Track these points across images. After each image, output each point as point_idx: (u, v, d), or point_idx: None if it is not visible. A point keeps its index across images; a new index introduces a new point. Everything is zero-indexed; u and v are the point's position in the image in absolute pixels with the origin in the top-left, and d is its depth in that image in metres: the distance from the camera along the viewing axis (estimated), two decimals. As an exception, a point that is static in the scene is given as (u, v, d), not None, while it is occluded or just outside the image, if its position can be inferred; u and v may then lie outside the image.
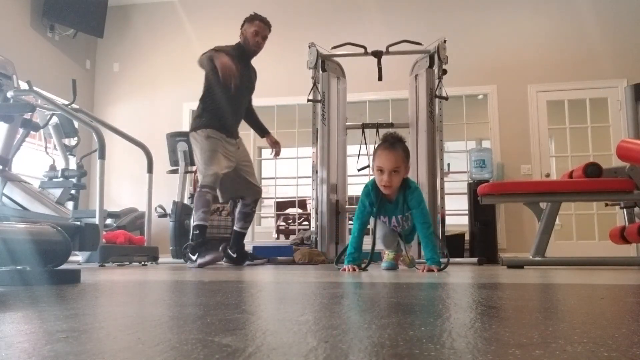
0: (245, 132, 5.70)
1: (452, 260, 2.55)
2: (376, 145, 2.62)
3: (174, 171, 5.26)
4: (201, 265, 3.35)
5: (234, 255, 3.83)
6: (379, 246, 2.75)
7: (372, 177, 2.64)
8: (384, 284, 1.59)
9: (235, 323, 0.67)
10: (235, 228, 3.88)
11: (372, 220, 2.73)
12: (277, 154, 4.03)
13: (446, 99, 4.49)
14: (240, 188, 3.78)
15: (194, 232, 3.53)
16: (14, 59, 4.16)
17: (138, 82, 6.89)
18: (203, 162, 3.53)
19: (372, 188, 2.56)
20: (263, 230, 7.72)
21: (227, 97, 3.58)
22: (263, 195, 7.74)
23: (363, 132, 4.97)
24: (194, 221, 3.57)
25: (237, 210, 3.88)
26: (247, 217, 3.86)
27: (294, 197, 6.86)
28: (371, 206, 2.57)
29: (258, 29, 3.70)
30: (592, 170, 3.30)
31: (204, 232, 3.52)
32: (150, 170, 4.61)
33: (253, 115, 4.01)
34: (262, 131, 4.04)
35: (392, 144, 2.47)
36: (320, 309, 0.88)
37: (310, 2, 6.57)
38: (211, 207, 3.74)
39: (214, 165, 3.48)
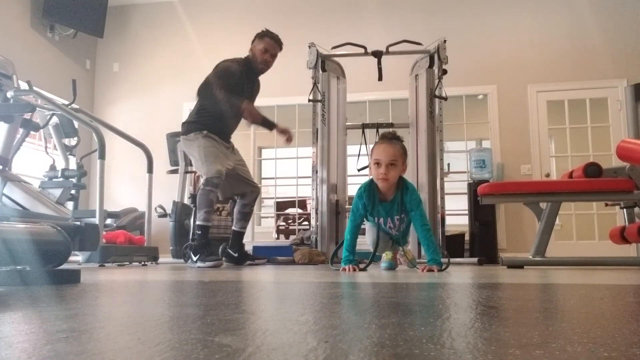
0: (245, 132, 5.70)
1: (452, 260, 2.54)
2: (375, 143, 2.62)
3: (174, 171, 5.26)
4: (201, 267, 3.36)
5: (235, 255, 3.84)
6: (371, 249, 2.73)
7: (361, 184, 2.62)
8: (384, 284, 1.59)
9: (235, 323, 0.67)
10: (234, 228, 3.89)
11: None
12: (289, 139, 3.72)
13: (445, 99, 4.49)
14: (239, 186, 3.78)
15: (197, 232, 3.53)
16: (14, 59, 4.16)
17: (138, 82, 6.89)
18: (203, 159, 3.50)
19: (364, 190, 2.55)
20: (263, 230, 7.71)
21: (229, 111, 3.57)
22: (263, 195, 7.78)
23: (363, 132, 4.97)
24: (196, 221, 3.57)
25: (236, 210, 3.88)
26: (247, 217, 3.87)
27: (294, 197, 6.86)
28: (364, 208, 2.57)
29: (267, 46, 3.64)
30: (592, 170, 3.30)
31: (207, 233, 3.52)
32: (150, 170, 4.61)
33: None
34: (269, 125, 3.76)
35: (390, 139, 2.50)
36: (320, 309, 0.88)
37: (310, 2, 6.57)
38: (214, 208, 3.74)
39: (216, 162, 3.48)
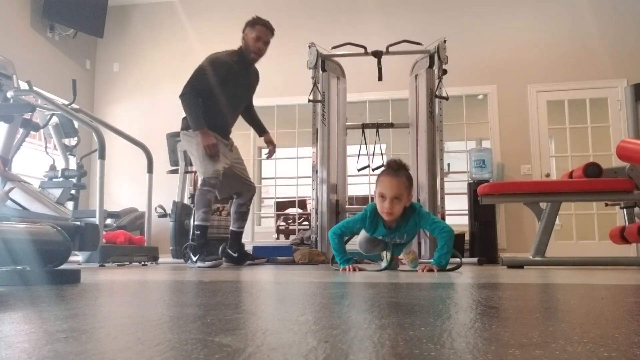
0: (246, 132, 5.69)
1: (452, 260, 2.53)
2: (380, 171, 2.56)
3: (174, 171, 5.26)
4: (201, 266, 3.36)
5: (235, 255, 3.83)
6: (360, 250, 2.71)
7: (366, 206, 2.58)
8: (384, 284, 1.59)
9: (235, 323, 0.67)
10: (232, 228, 3.88)
11: None
12: (270, 153, 4.00)
13: (446, 98, 4.49)
14: (236, 185, 3.78)
15: (195, 232, 3.53)
16: (14, 59, 4.16)
17: (138, 82, 6.89)
18: (202, 158, 3.50)
19: (369, 215, 2.48)
20: (263, 230, 7.71)
21: (223, 102, 3.57)
22: (263, 195, 7.79)
23: (363, 132, 4.97)
24: (194, 221, 3.57)
25: (233, 210, 3.88)
26: (244, 216, 3.87)
27: (294, 197, 6.86)
28: (360, 230, 2.57)
29: (259, 34, 3.61)
30: (592, 170, 3.30)
31: (205, 233, 3.52)
32: (150, 170, 4.61)
33: (253, 114, 4.00)
34: (260, 129, 4.02)
35: (396, 170, 2.42)
36: (320, 309, 0.88)
37: (310, 2, 6.57)
38: (212, 207, 3.74)
39: (214, 162, 3.48)
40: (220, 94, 3.53)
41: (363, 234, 2.64)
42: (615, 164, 3.94)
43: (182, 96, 3.51)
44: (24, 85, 4.07)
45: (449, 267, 2.47)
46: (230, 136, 3.81)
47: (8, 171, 4.04)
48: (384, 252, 2.78)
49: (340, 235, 2.57)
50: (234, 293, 1.23)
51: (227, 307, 0.88)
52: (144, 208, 4.73)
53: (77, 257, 3.78)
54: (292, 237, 6.11)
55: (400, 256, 2.93)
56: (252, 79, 3.80)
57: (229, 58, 3.58)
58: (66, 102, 4.65)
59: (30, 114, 4.01)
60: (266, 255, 4.33)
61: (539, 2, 6.06)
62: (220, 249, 4.10)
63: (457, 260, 2.62)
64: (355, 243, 2.76)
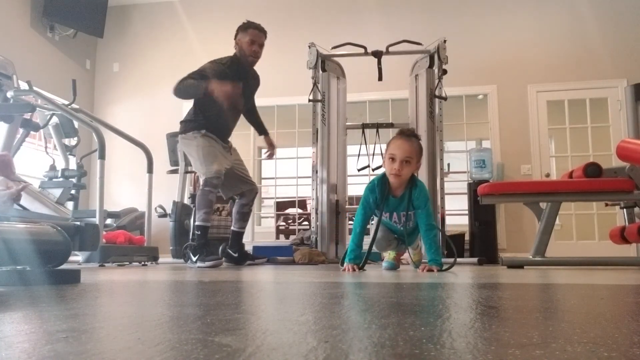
0: (246, 132, 5.69)
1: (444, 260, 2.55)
2: (391, 137, 2.61)
3: (174, 171, 5.25)
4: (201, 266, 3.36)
5: (235, 255, 3.83)
6: (374, 247, 2.73)
7: (373, 178, 2.62)
8: (384, 284, 1.59)
9: (235, 323, 0.67)
10: (233, 228, 3.88)
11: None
12: (270, 155, 4.02)
13: (445, 99, 4.49)
14: (239, 185, 3.79)
15: (196, 232, 3.53)
16: (14, 59, 4.16)
17: (138, 82, 6.89)
18: (202, 159, 3.50)
19: (377, 183, 2.54)
20: (263, 230, 7.71)
21: (223, 108, 3.57)
22: (263, 195, 7.78)
23: (363, 132, 4.97)
24: (195, 221, 3.57)
25: (235, 210, 3.88)
26: (246, 217, 3.87)
27: (294, 197, 6.86)
28: (375, 203, 2.56)
29: (253, 37, 3.62)
30: (592, 170, 3.30)
31: (206, 233, 3.52)
32: (150, 170, 4.61)
33: (255, 114, 4.01)
34: (261, 130, 4.03)
35: (408, 135, 2.50)
36: (320, 309, 0.88)
37: (310, 2, 6.57)
38: (213, 208, 3.74)
39: (215, 163, 3.48)
40: (219, 103, 3.53)
41: (377, 232, 2.66)
42: (615, 164, 3.94)
43: (175, 89, 3.50)
44: (24, 85, 4.07)
45: (445, 266, 2.50)
46: (229, 139, 3.81)
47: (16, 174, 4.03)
48: (388, 252, 2.80)
49: (364, 225, 2.57)
50: (234, 293, 1.23)
51: (227, 307, 0.88)
52: (144, 208, 4.73)
53: (77, 257, 3.78)
54: (292, 237, 6.11)
55: (405, 255, 2.94)
56: (250, 84, 3.80)
57: (226, 65, 3.59)
58: (66, 102, 4.66)
59: (30, 114, 4.01)
60: (266, 255, 4.33)
61: (539, 2, 6.06)
62: (220, 248, 4.10)
63: (451, 260, 2.65)
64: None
